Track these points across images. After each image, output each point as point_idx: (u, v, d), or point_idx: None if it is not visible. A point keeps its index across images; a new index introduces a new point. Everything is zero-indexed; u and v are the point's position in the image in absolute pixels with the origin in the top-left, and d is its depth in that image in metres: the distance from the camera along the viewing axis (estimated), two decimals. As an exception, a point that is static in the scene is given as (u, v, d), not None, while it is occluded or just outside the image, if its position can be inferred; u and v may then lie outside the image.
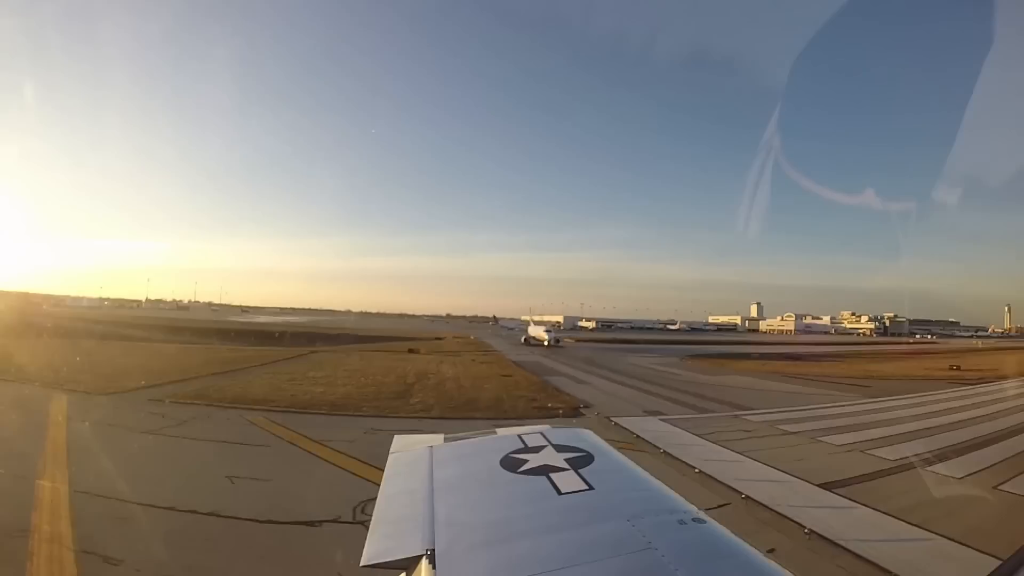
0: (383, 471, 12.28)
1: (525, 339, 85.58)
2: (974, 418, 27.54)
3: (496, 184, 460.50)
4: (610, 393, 33.78)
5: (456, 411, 25.21)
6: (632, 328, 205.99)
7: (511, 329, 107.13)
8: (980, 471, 17.66)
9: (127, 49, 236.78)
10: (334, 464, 16.40)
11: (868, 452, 19.95)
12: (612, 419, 24.22)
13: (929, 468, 17.86)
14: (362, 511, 12.21)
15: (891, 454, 19.58)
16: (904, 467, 18.09)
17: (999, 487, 15.97)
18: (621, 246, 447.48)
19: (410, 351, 58.87)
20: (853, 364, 64.15)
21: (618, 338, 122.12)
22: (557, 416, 24.68)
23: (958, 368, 56.94)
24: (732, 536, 2.59)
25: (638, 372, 47.41)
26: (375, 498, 10.97)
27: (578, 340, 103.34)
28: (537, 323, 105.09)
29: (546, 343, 79.22)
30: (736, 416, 26.81)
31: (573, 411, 26.39)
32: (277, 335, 78.05)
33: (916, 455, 19.27)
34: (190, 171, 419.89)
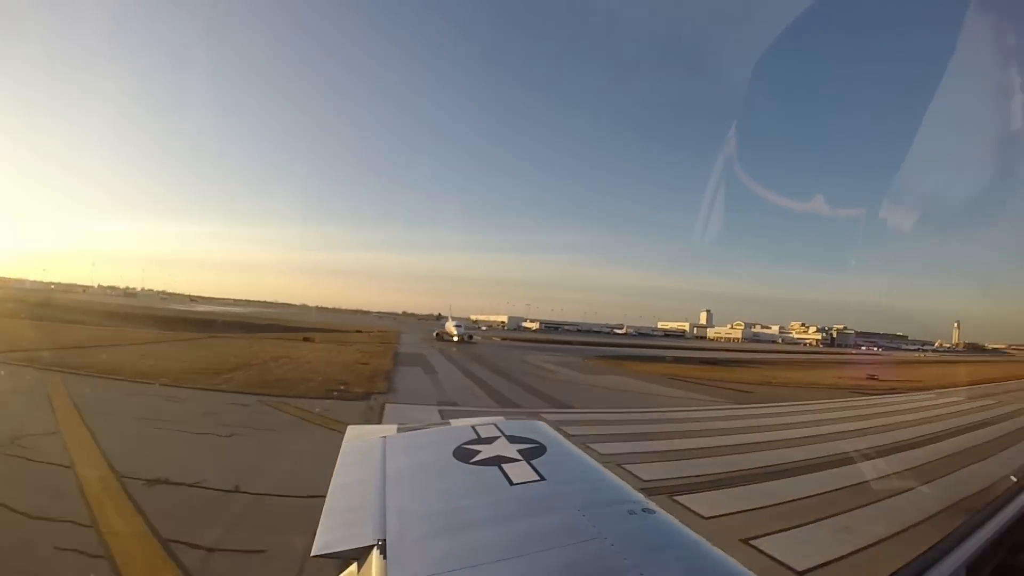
0: (86, 423, 16.37)
1: (437, 334, 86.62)
2: (828, 434, 23.28)
3: (456, 184, 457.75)
4: (440, 384, 32.28)
5: (245, 387, 25.44)
6: (578, 331, 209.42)
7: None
8: (749, 511, 12.61)
9: (78, 21, 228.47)
10: (53, 412, 17.57)
11: (625, 466, 15.32)
12: (386, 406, 23.22)
13: (676, 497, 12.92)
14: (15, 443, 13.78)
15: (652, 472, 15.19)
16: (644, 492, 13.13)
17: (751, 540, 10.82)
18: (582, 251, 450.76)
19: (305, 339, 59.76)
20: (766, 371, 61.38)
21: (548, 338, 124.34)
22: (332, 397, 24.41)
23: (875, 378, 55.16)
24: (680, 526, 2.53)
25: (513, 368, 45.70)
26: (36, 434, 14.93)
27: (504, 339, 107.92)
28: (453, 319, 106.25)
29: (455, 338, 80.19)
30: (535, 413, 23.28)
31: (365, 396, 25.31)
32: (202, 323, 78.31)
33: (684, 477, 14.86)
34: (147, 153, 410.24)
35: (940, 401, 38.74)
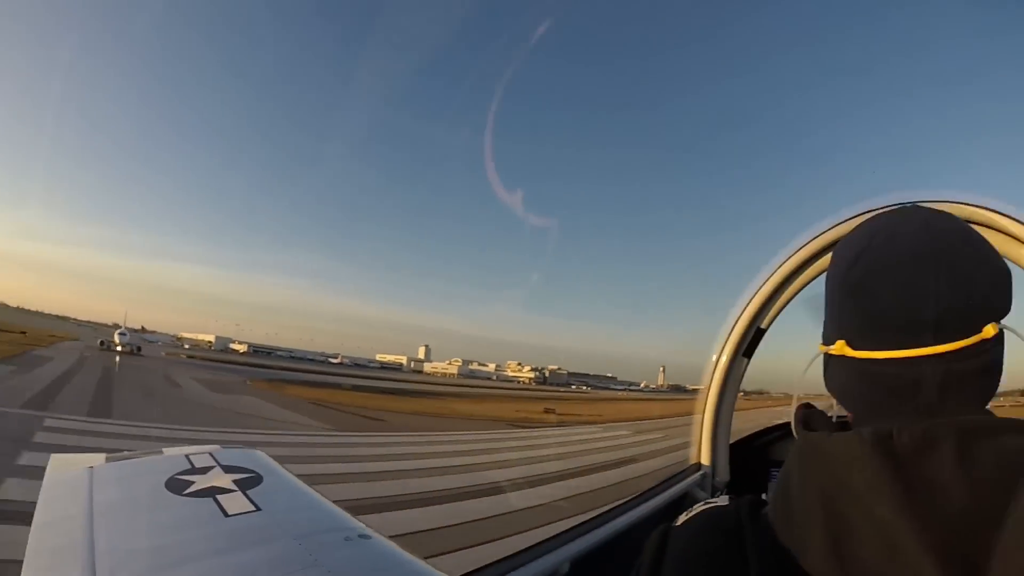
0: None
1: (102, 342, 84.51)
2: (422, 469, 20.82)
3: (191, 194, 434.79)
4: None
5: None
6: (291, 357, 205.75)
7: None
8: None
9: None
10: None
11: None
12: None
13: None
14: None
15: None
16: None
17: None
18: (306, 276, 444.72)
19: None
20: (443, 402, 60.66)
21: (243, 360, 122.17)
22: None
23: (551, 411, 56.71)
24: (397, 549, 2.30)
25: (137, 379, 43.93)
26: None
27: (192, 356, 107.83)
28: (123, 329, 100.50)
29: (119, 348, 79.29)
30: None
31: None
32: None
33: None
34: None
35: (602, 435, 38.68)
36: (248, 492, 2.79)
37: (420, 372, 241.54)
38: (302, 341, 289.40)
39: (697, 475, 3.58)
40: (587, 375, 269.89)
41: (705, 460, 3.65)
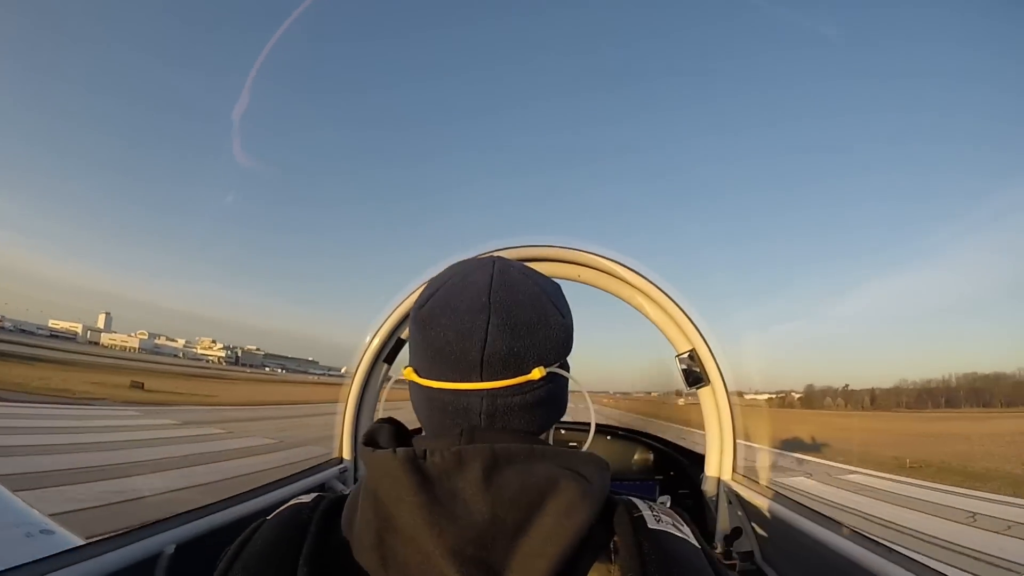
0: None
1: None
2: None
3: None
4: None
5: None
6: None
7: None
8: None
9: None
10: None
11: None
12: None
13: None
14: None
15: None
16: None
17: None
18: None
19: None
20: (34, 369, 50.69)
21: None
22: None
23: (139, 387, 52.20)
24: (83, 543, 2.02)
25: None
26: None
27: None
28: None
29: None
30: None
31: None
32: None
33: None
34: None
35: (135, 422, 29.72)
36: None
37: (97, 344, 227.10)
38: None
39: (337, 468, 3.54)
40: (286, 357, 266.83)
41: (347, 455, 3.64)
